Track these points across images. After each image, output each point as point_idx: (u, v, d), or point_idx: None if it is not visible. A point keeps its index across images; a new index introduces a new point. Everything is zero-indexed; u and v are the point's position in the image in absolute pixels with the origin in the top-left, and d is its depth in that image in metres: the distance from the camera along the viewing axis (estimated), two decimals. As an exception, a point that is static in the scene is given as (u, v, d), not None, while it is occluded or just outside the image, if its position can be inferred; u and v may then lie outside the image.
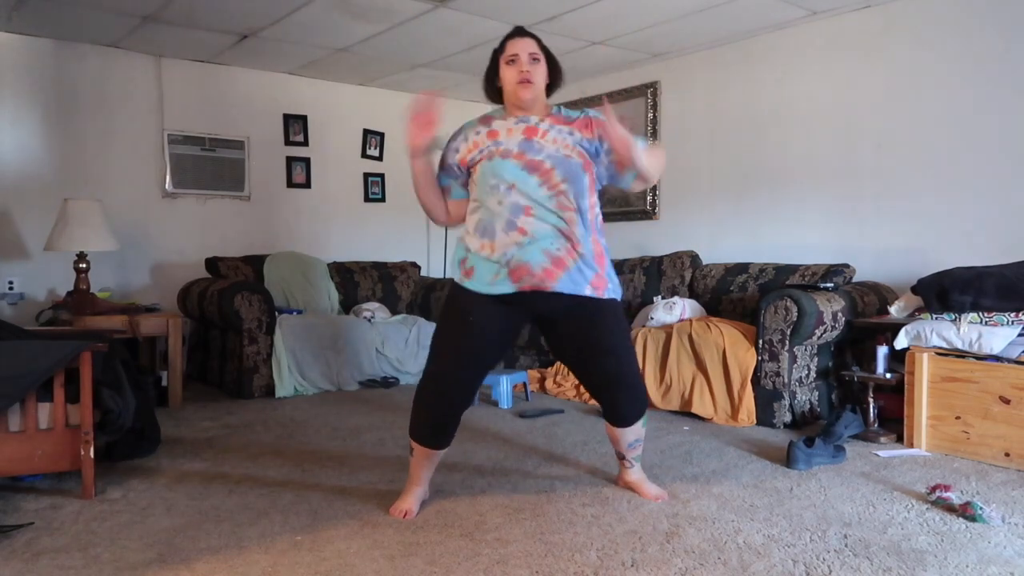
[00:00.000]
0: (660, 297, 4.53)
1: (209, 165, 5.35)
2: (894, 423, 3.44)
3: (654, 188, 5.36)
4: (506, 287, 2.34)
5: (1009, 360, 3.01)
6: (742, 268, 4.50)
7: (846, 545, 2.19)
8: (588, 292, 2.37)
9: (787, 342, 3.59)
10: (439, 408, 2.44)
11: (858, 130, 4.25)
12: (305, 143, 5.77)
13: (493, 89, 2.50)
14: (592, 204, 2.44)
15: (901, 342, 3.31)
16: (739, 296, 4.41)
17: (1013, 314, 3.04)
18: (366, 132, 6.05)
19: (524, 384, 4.44)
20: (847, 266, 4.06)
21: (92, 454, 2.64)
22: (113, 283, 4.96)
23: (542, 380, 4.64)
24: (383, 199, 6.20)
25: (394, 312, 5.45)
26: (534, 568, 2.03)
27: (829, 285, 3.83)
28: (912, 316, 3.42)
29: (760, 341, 3.69)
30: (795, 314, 3.52)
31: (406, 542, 2.22)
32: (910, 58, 4.03)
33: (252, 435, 3.56)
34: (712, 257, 4.91)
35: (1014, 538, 2.24)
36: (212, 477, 2.89)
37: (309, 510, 2.51)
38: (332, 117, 5.88)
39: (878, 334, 3.53)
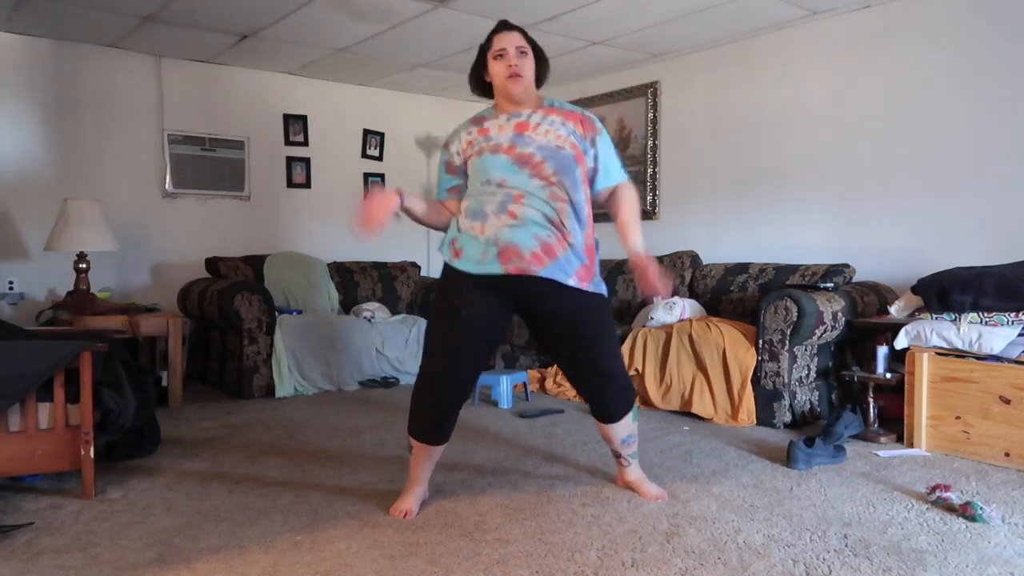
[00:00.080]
0: (660, 297, 4.53)
1: (209, 165, 5.35)
2: (894, 423, 3.44)
3: (654, 188, 5.36)
4: (494, 267, 2.34)
5: (1009, 360, 3.01)
6: (742, 268, 4.50)
7: (846, 545, 2.19)
8: (572, 283, 2.37)
9: (787, 342, 3.59)
10: (436, 404, 2.44)
11: (858, 130, 4.25)
12: (305, 143, 5.77)
13: (481, 85, 2.51)
14: (586, 198, 2.44)
15: (901, 342, 3.31)
16: (739, 296, 4.41)
17: (1013, 314, 3.04)
18: (366, 132, 6.05)
19: (524, 384, 4.44)
20: (847, 266, 4.06)
21: (92, 454, 2.64)
22: (113, 283, 4.96)
23: (542, 380, 4.64)
24: (383, 199, 6.18)
25: (394, 312, 5.45)
26: (534, 568, 2.03)
27: (829, 285, 3.83)
28: (912, 316, 3.42)
29: (760, 341, 3.69)
30: (795, 314, 3.52)
31: (406, 542, 2.22)
32: (910, 58, 4.03)
33: (252, 435, 3.56)
34: (712, 257, 4.91)
35: (1014, 538, 2.24)
36: (212, 477, 2.89)
37: (309, 510, 2.51)
38: (332, 117, 5.88)
39: (878, 334, 3.53)
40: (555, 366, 4.65)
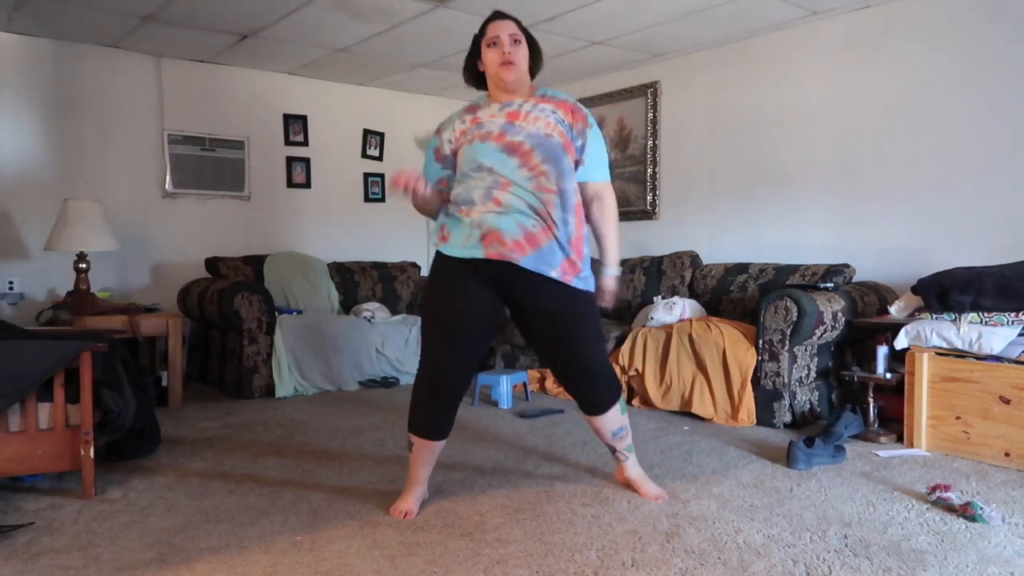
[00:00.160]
0: (660, 297, 4.53)
1: (209, 165, 5.35)
2: (894, 423, 3.44)
3: (654, 188, 5.36)
4: (477, 251, 2.35)
5: (1009, 360, 3.01)
6: (742, 268, 4.50)
7: (846, 545, 2.19)
8: (555, 275, 2.36)
9: (787, 342, 3.59)
10: (436, 399, 2.45)
11: (858, 130, 4.25)
12: (305, 143, 5.77)
13: (475, 74, 2.52)
14: (575, 188, 2.44)
15: (901, 342, 3.31)
16: (739, 296, 4.41)
17: (1013, 314, 3.04)
18: (366, 132, 6.05)
19: (524, 384, 4.44)
20: (847, 266, 4.06)
21: (92, 454, 2.64)
22: (113, 283, 4.96)
23: (542, 380, 4.64)
24: (383, 199, 6.20)
25: (394, 312, 5.45)
26: (534, 568, 2.03)
27: (829, 285, 3.83)
28: (912, 316, 3.42)
29: (760, 341, 3.69)
30: (795, 314, 3.52)
31: (406, 542, 2.22)
32: (910, 58, 4.03)
33: (252, 435, 3.56)
34: (712, 257, 4.91)
35: (1014, 538, 2.24)
36: (212, 477, 2.89)
37: (309, 510, 2.51)
38: (332, 117, 5.88)
39: (878, 334, 3.53)
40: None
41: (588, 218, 2.53)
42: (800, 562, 2.07)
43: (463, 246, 2.37)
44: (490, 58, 2.41)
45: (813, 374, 3.77)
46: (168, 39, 4.75)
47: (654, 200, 5.37)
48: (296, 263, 5.33)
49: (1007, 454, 2.98)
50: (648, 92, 5.36)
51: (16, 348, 2.62)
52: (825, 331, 3.62)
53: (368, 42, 4.85)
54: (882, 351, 3.46)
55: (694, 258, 4.83)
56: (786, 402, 3.64)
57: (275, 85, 5.59)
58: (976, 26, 3.78)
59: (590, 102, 5.66)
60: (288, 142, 5.70)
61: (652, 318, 4.24)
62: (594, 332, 2.50)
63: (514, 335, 4.90)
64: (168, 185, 5.19)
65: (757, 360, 3.70)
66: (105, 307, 4.29)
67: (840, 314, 3.65)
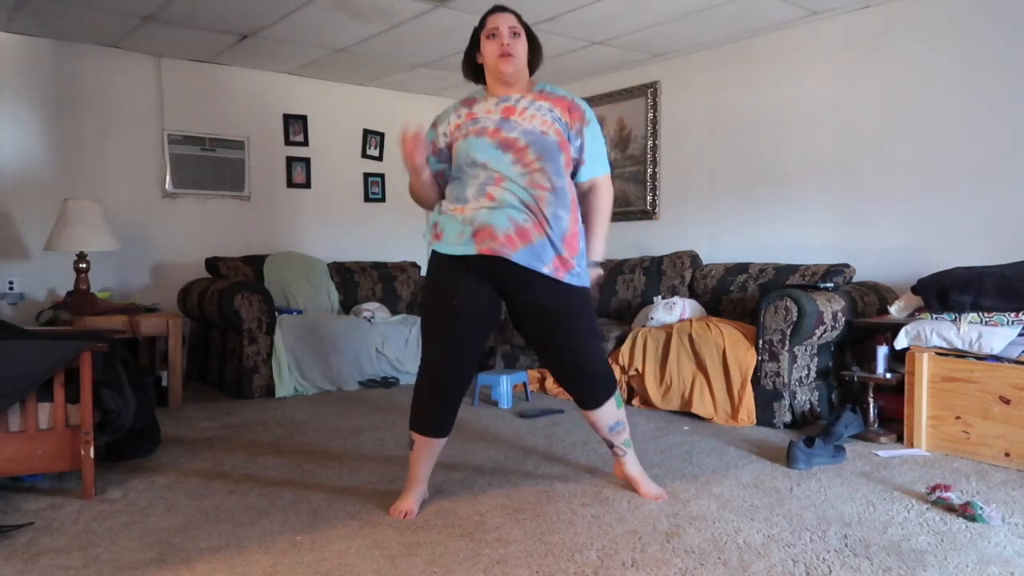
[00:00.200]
0: (660, 297, 4.53)
1: (209, 165, 5.35)
2: (894, 423, 3.44)
3: (654, 188, 5.36)
4: (469, 248, 2.35)
5: (1009, 360, 3.01)
6: (742, 268, 4.50)
7: (846, 545, 2.19)
8: (546, 271, 2.35)
9: (787, 342, 3.59)
10: (437, 396, 2.45)
11: (858, 130, 4.25)
12: (305, 143, 5.77)
13: (473, 67, 2.51)
14: (570, 185, 2.44)
15: (901, 342, 3.31)
16: (739, 296, 4.41)
17: (1013, 314, 3.04)
18: (366, 132, 6.05)
19: (524, 384, 4.44)
20: (847, 266, 4.06)
21: (92, 454, 2.64)
22: (113, 283, 4.96)
23: (542, 380, 4.64)
24: (383, 199, 6.20)
25: (394, 312, 5.45)
26: (534, 568, 2.03)
27: (829, 285, 3.83)
28: (912, 316, 3.42)
29: (760, 341, 3.69)
30: (795, 314, 3.52)
31: (406, 542, 2.22)
32: (910, 58, 4.03)
33: (252, 435, 3.56)
34: (712, 257, 4.91)
35: (1014, 538, 2.24)
36: (212, 477, 2.89)
37: (309, 510, 2.51)
38: (332, 117, 5.88)
39: (878, 334, 3.53)
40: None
41: (586, 213, 2.53)
42: (800, 562, 2.07)
43: (456, 243, 2.37)
44: (489, 50, 2.40)
45: (813, 374, 3.77)
46: (168, 39, 4.75)
47: (654, 200, 5.37)
48: (296, 263, 5.33)
49: (1007, 454, 2.98)
50: (648, 92, 5.36)
51: (16, 348, 2.62)
52: (825, 331, 3.62)
53: (368, 42, 4.85)
54: (882, 351, 3.46)
55: (694, 258, 4.83)
56: (786, 402, 3.64)
57: (275, 85, 5.59)
58: (976, 26, 3.78)
59: (590, 102, 5.59)
60: (288, 142, 5.70)
61: (652, 318, 4.24)
62: (588, 328, 2.49)
63: (514, 335, 4.90)
64: (168, 185, 5.19)
65: (757, 360, 3.70)
66: (105, 307, 4.29)
67: (840, 314, 3.65)
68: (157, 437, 3.26)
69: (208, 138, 5.34)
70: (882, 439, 3.37)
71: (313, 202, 5.83)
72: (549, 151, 2.36)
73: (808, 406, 3.76)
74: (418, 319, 5.10)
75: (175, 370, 4.23)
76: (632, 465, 2.67)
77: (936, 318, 3.23)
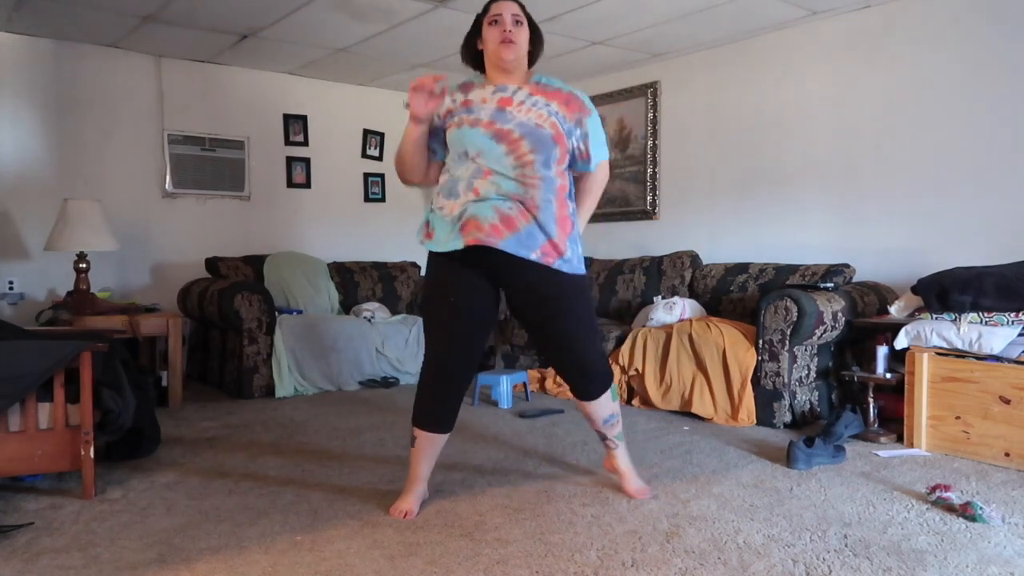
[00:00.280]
0: (660, 297, 4.53)
1: (209, 165, 5.35)
2: (894, 423, 3.44)
3: (654, 188, 5.36)
4: (457, 243, 2.35)
5: (1009, 360, 3.01)
6: (742, 268, 4.50)
7: (846, 545, 2.19)
8: (534, 257, 2.34)
9: (787, 342, 3.59)
10: (440, 390, 2.46)
11: (858, 130, 4.25)
12: (305, 143, 5.77)
13: (473, 53, 2.51)
14: (561, 173, 2.43)
15: (901, 342, 3.31)
16: (739, 296, 4.41)
17: (1013, 314, 3.04)
18: (366, 132, 6.05)
19: (524, 384, 4.44)
20: (847, 266, 4.06)
21: (92, 454, 2.64)
22: (113, 283, 4.96)
23: (542, 380, 4.64)
24: (383, 199, 6.20)
25: (394, 312, 5.45)
26: (534, 568, 2.03)
27: (829, 285, 3.83)
28: (912, 316, 3.42)
29: (760, 341, 3.69)
30: (795, 314, 3.52)
31: (406, 542, 2.22)
32: (910, 58, 4.03)
33: (252, 435, 3.56)
34: (712, 257, 4.91)
35: (1014, 538, 2.24)
36: (212, 477, 2.89)
37: (309, 510, 2.51)
38: (332, 117, 5.88)
39: (878, 334, 3.53)
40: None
41: (577, 192, 2.54)
42: (800, 562, 2.07)
43: (446, 241, 2.38)
44: (491, 36, 2.39)
45: (813, 374, 3.77)
46: (168, 39, 4.75)
47: (654, 200, 5.37)
48: (296, 263, 5.33)
49: (1007, 454, 2.98)
50: (648, 92, 5.36)
51: (16, 348, 2.62)
52: (825, 331, 3.62)
53: (368, 42, 4.85)
54: (882, 351, 3.46)
55: (694, 258, 4.83)
56: (786, 402, 3.64)
57: (275, 85, 5.59)
58: (976, 26, 3.78)
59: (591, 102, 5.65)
60: (288, 142, 5.70)
61: (652, 318, 4.24)
62: (584, 317, 2.48)
63: (514, 335, 4.90)
64: (168, 185, 5.19)
65: (757, 360, 3.70)
66: (105, 307, 4.29)
67: (840, 314, 3.65)
68: (157, 437, 3.26)
69: (208, 138, 5.34)
70: (882, 439, 3.37)
71: (313, 202, 5.83)
72: (543, 143, 2.36)
73: (808, 406, 3.76)
74: (418, 319, 5.12)
75: (175, 370, 4.23)
76: (623, 459, 2.67)
77: (936, 318, 3.23)
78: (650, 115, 5.35)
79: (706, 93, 5.03)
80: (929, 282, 3.22)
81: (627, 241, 5.46)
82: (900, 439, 3.33)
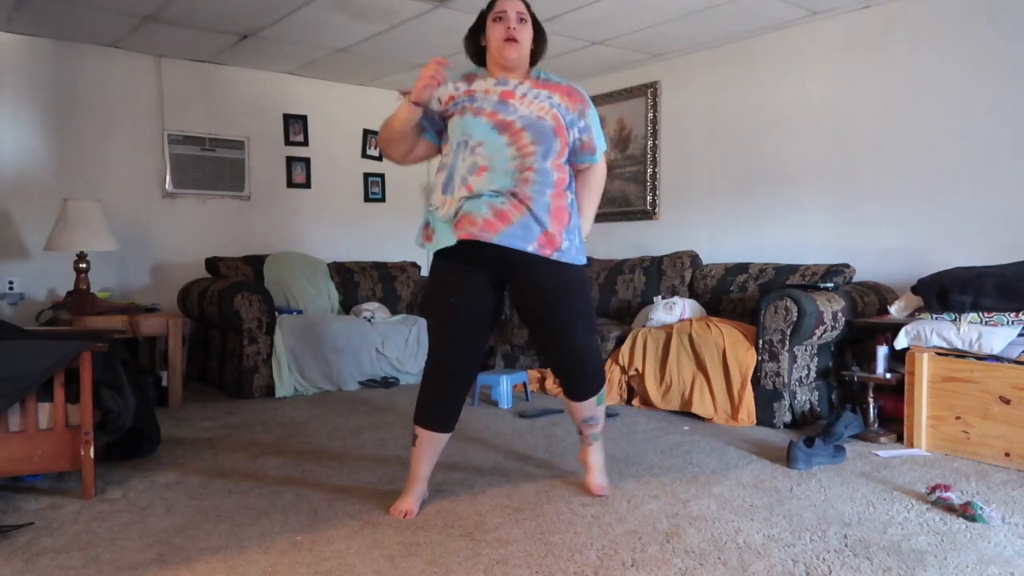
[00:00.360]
0: (660, 297, 4.53)
1: (209, 165, 5.35)
2: (894, 423, 3.44)
3: (654, 188, 5.36)
4: (450, 239, 2.36)
5: (1009, 360, 3.01)
6: (742, 268, 4.50)
7: (846, 545, 2.19)
8: (531, 249, 2.34)
9: (787, 342, 3.59)
10: (441, 388, 2.46)
11: (858, 130, 4.25)
12: (305, 143, 5.77)
13: (476, 48, 2.51)
14: (559, 166, 2.43)
15: (901, 342, 3.31)
16: (739, 296, 4.41)
17: (1013, 314, 3.04)
18: (366, 132, 6.05)
19: (524, 384, 4.44)
20: (847, 266, 4.06)
21: (92, 454, 2.64)
22: (113, 283, 4.96)
23: (542, 380, 4.64)
24: (383, 199, 6.20)
25: (394, 312, 5.45)
26: (534, 568, 2.03)
27: (829, 285, 3.83)
28: (912, 316, 3.42)
29: (760, 341, 3.69)
30: (795, 314, 3.52)
31: (406, 542, 2.22)
32: (910, 58, 4.03)
33: (252, 435, 3.56)
34: (712, 257, 4.91)
35: (1014, 538, 2.24)
36: (212, 477, 2.89)
37: (309, 510, 2.51)
38: (332, 117, 5.88)
39: (878, 334, 3.53)
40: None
41: (578, 189, 2.55)
42: (800, 562, 2.07)
43: (442, 239, 2.39)
44: (495, 33, 2.40)
45: (813, 374, 3.77)
46: (168, 39, 4.75)
47: (654, 200, 5.37)
48: (296, 263, 5.33)
49: (1007, 454, 2.98)
50: (648, 92, 5.36)
51: (16, 348, 2.62)
52: (825, 331, 3.62)
53: (368, 42, 4.85)
54: (882, 351, 3.46)
55: (694, 258, 4.83)
56: (786, 402, 3.64)
57: (275, 85, 5.59)
58: (976, 26, 3.78)
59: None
60: (288, 142, 5.70)
61: (652, 318, 4.24)
62: (583, 310, 2.49)
63: (514, 335, 4.90)
64: (168, 185, 5.19)
65: (757, 360, 3.70)
66: (105, 307, 4.29)
67: (840, 314, 3.65)
68: (157, 437, 3.25)
69: (208, 138, 5.34)
70: (882, 439, 3.37)
71: (313, 202, 5.83)
72: (545, 135, 2.37)
73: (808, 406, 3.76)
74: (418, 319, 5.12)
75: (175, 370, 4.23)
76: (594, 455, 2.68)
77: (936, 318, 3.23)
78: (650, 115, 5.35)
79: (706, 93, 5.03)
80: (929, 282, 3.22)
81: (627, 241, 5.46)
82: (900, 439, 3.34)
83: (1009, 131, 3.68)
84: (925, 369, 3.22)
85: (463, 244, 2.35)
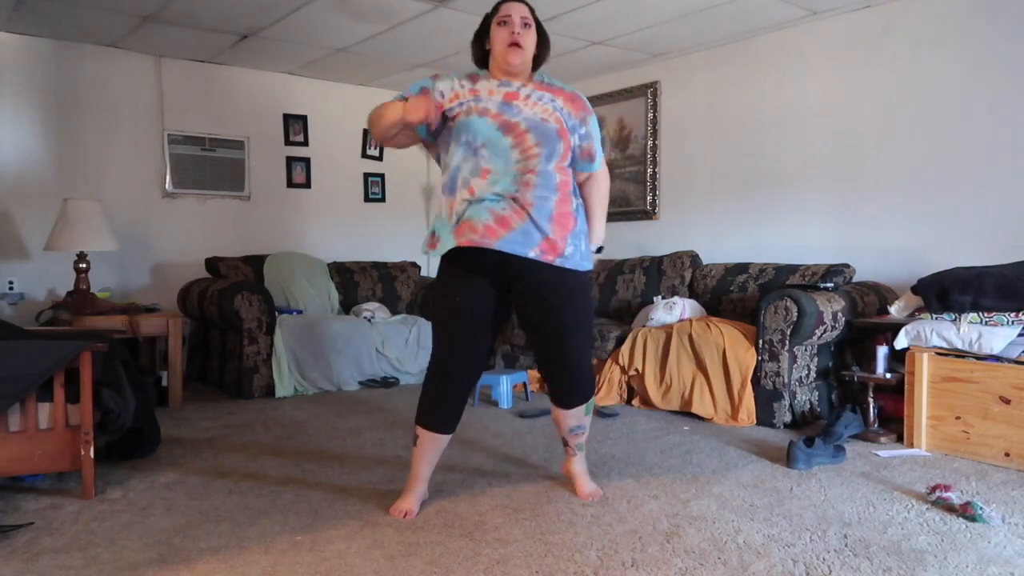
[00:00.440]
0: (660, 297, 4.53)
1: (209, 165, 5.35)
2: (894, 423, 3.44)
3: (654, 188, 5.36)
4: (451, 243, 2.36)
5: (1009, 360, 3.01)
6: (742, 268, 4.50)
7: (846, 545, 2.19)
8: (533, 255, 2.34)
9: (787, 342, 3.59)
10: (445, 389, 2.46)
11: (858, 130, 4.25)
12: (305, 143, 5.77)
13: (481, 52, 2.51)
14: (563, 169, 2.43)
15: (901, 342, 3.31)
16: (739, 296, 4.41)
17: (1013, 314, 3.04)
18: (366, 132, 6.05)
19: (524, 384, 4.44)
20: (847, 266, 4.06)
21: (92, 454, 2.64)
22: (113, 283, 4.96)
23: (542, 380, 4.64)
24: (383, 199, 6.20)
25: (394, 312, 5.45)
26: (534, 568, 2.03)
27: (829, 285, 3.83)
28: (912, 316, 3.42)
29: (760, 341, 3.69)
30: (795, 314, 3.52)
31: (406, 542, 2.22)
32: (910, 58, 4.03)
33: (252, 435, 3.56)
34: (712, 257, 4.91)
35: (1014, 538, 2.24)
36: (212, 477, 2.89)
37: (309, 510, 2.51)
38: (332, 117, 5.88)
39: (878, 334, 3.53)
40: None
41: (586, 197, 2.57)
42: (800, 562, 2.07)
43: (446, 244, 2.40)
44: (499, 37, 2.40)
45: (813, 374, 3.77)
46: (168, 39, 4.75)
47: (654, 200, 5.37)
48: (296, 263, 5.33)
49: (1007, 454, 2.98)
50: (648, 92, 5.36)
51: (16, 348, 2.62)
52: (825, 331, 3.62)
53: (368, 42, 4.85)
54: (882, 351, 3.46)
55: (694, 258, 4.83)
56: (786, 402, 3.64)
57: (275, 85, 5.59)
58: (976, 26, 3.78)
59: (590, 102, 5.65)
60: (288, 142, 5.70)
61: (652, 318, 4.24)
62: (583, 314, 2.49)
63: (514, 335, 4.90)
64: (168, 185, 5.19)
65: (757, 360, 3.70)
66: (105, 307, 4.29)
67: (840, 314, 3.65)
68: (157, 437, 3.25)
69: (208, 138, 5.34)
70: (882, 439, 3.37)
71: (313, 202, 5.83)
72: (549, 138, 2.37)
73: (808, 406, 3.76)
74: (418, 319, 5.12)
75: (175, 370, 4.23)
76: (578, 465, 2.68)
77: (936, 318, 3.23)
78: (650, 115, 5.35)
79: (706, 93, 5.03)
80: (929, 282, 3.22)
81: (627, 241, 5.46)
82: (900, 439, 3.34)
83: (1009, 131, 3.68)
84: (925, 369, 3.22)
85: (465, 249, 2.36)
